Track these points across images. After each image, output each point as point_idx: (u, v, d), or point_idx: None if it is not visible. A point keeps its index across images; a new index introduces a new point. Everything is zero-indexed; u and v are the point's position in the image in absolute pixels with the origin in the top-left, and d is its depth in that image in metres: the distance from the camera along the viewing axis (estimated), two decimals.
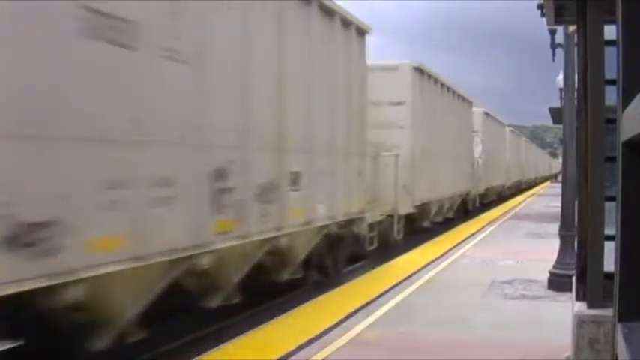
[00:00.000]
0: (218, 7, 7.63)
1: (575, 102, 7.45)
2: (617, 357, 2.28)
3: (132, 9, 6.07)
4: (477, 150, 28.28)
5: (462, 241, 16.90)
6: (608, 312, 3.98)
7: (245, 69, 8.23)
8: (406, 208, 16.51)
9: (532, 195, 44.16)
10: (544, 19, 7.98)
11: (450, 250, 15.26)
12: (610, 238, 4.46)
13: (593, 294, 5.05)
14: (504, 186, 37.55)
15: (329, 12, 11.11)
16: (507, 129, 41.23)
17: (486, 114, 31.34)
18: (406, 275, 11.61)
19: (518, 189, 46.73)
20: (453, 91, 22.85)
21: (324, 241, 11.34)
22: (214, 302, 8.14)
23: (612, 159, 2.83)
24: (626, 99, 2.19)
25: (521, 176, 49.19)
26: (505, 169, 37.63)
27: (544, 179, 78.12)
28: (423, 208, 18.21)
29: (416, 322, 8.33)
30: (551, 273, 10.40)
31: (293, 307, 9.24)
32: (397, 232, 15.75)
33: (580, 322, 5.02)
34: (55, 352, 6.48)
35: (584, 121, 5.23)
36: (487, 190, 30.67)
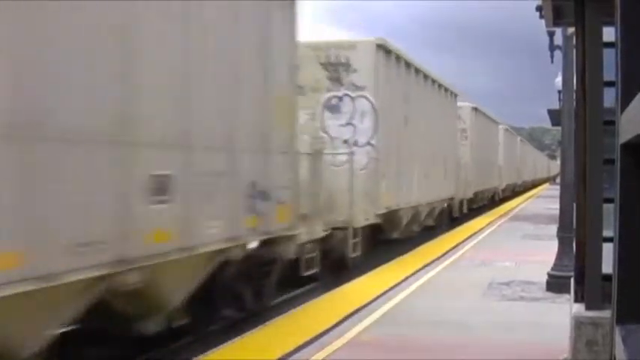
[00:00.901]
0: None
1: (574, 104, 7.46)
2: (615, 359, 2.28)
3: None
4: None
5: (460, 243, 16.90)
6: (607, 314, 3.99)
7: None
8: None
9: (530, 197, 44.07)
10: (543, 20, 7.99)
11: (448, 251, 15.26)
12: (608, 239, 4.46)
13: (591, 296, 5.05)
14: (457, 199, 23.53)
15: None
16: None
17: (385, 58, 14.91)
18: (404, 277, 11.62)
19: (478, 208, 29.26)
20: None
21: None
22: None
23: (611, 161, 2.83)
24: (625, 100, 2.19)
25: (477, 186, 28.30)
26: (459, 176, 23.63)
27: (542, 181, 76.82)
28: None
29: (414, 324, 8.33)
30: (549, 275, 10.40)
31: (292, 307, 9.24)
32: None
33: (578, 323, 5.01)
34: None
35: (582, 122, 5.23)
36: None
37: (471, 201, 26.91)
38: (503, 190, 38.66)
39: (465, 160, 25.42)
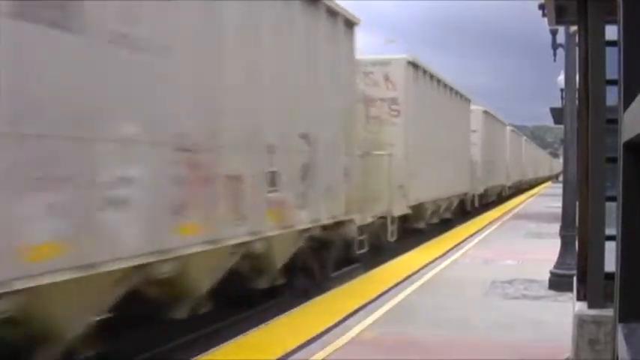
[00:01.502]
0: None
1: (577, 102, 7.46)
2: (617, 358, 2.28)
3: None
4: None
5: (463, 241, 16.89)
6: (609, 312, 3.99)
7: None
8: None
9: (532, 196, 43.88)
10: (544, 19, 7.98)
11: (450, 249, 15.25)
12: (611, 238, 4.46)
13: (593, 294, 5.05)
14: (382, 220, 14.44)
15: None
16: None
17: None
18: (406, 275, 11.61)
19: None
20: None
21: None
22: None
23: (613, 159, 2.83)
24: (627, 99, 2.19)
25: None
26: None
27: (545, 179, 74.42)
28: None
29: (416, 322, 8.33)
30: (551, 273, 10.40)
31: (292, 307, 9.24)
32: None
33: (580, 322, 5.01)
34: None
35: (585, 121, 5.23)
36: None
37: (410, 219, 16.94)
38: (483, 196, 28.57)
39: (395, 150, 15.30)
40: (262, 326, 8.10)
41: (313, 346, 7.16)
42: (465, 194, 24.58)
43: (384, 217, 14.75)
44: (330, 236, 11.46)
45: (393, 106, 16.05)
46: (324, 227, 11.02)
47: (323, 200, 10.72)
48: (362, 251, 13.07)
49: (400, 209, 15.75)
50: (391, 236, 15.16)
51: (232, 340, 7.43)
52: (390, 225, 15.08)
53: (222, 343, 7.35)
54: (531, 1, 10.34)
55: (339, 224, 11.62)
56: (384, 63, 16.16)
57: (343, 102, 11.90)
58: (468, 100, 25.10)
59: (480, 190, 27.78)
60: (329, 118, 11.12)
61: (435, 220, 19.85)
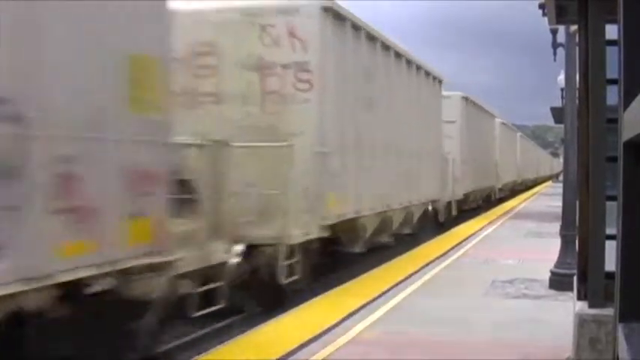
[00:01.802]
0: None
1: (577, 102, 7.46)
2: (618, 357, 2.28)
3: None
4: None
5: (463, 241, 16.88)
6: (610, 311, 3.99)
7: None
8: None
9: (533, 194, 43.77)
10: (545, 18, 7.99)
11: (451, 249, 15.24)
12: (611, 237, 4.46)
13: (594, 293, 5.05)
14: None
15: None
16: None
17: None
18: (407, 274, 11.60)
19: None
20: None
21: None
22: None
23: (614, 158, 2.83)
24: (628, 99, 2.19)
25: None
26: None
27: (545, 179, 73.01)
28: None
29: (417, 322, 8.32)
30: (552, 272, 10.40)
31: (292, 306, 9.23)
32: None
33: (581, 321, 5.02)
34: None
35: (585, 120, 5.23)
36: None
37: (340, 241, 12.40)
38: (463, 201, 23.78)
39: (302, 140, 10.33)
40: (262, 326, 8.10)
41: (313, 345, 7.16)
42: (436, 201, 19.11)
43: (274, 246, 9.84)
44: (110, 298, 6.03)
45: (302, 75, 10.73)
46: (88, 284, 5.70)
47: (62, 233, 5.35)
48: (204, 312, 8.14)
49: (305, 232, 10.45)
50: (286, 276, 9.99)
51: (232, 340, 7.43)
52: (283, 259, 9.89)
53: (223, 343, 7.35)
54: (532, 0, 10.35)
55: (129, 274, 6.20)
56: (289, 11, 10.77)
57: (124, 48, 6.22)
58: (438, 81, 19.01)
59: (459, 194, 22.66)
60: (81, 75, 5.74)
61: (385, 239, 14.78)
